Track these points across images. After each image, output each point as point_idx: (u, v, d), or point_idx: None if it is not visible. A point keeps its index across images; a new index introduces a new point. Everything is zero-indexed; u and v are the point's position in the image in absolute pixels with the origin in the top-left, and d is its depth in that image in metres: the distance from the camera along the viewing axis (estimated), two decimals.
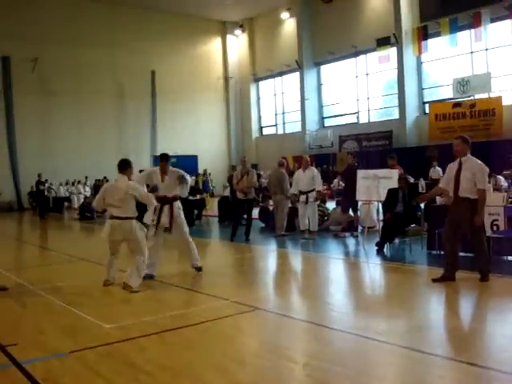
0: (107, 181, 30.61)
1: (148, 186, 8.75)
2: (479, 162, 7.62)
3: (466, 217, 7.56)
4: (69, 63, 31.73)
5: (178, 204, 8.90)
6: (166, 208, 8.71)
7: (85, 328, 6.05)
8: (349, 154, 15.59)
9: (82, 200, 25.33)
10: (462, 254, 9.72)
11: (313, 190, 12.98)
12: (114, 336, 5.67)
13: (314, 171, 13.34)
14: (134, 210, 8.08)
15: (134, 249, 8.03)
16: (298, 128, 34.58)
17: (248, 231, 13.35)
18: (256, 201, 17.20)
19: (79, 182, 30.24)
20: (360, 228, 13.30)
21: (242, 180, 13.10)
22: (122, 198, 7.91)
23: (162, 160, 8.96)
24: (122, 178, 8.07)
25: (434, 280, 7.62)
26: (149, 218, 8.56)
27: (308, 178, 13.13)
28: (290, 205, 14.06)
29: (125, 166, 8.17)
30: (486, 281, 7.56)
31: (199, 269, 9.10)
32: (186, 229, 9.01)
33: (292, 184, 13.53)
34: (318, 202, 13.55)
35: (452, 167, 7.86)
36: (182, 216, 8.93)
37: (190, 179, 9.21)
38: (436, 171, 22.13)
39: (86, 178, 30.62)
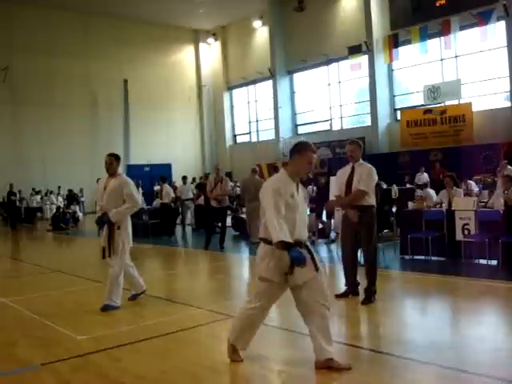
0: (81, 191, 30.40)
1: None
2: (370, 165, 7.15)
3: (360, 225, 7.00)
4: (40, 72, 31.37)
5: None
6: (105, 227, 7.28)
7: (57, 340, 5.97)
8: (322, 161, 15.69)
9: (54, 210, 25.00)
10: (434, 258, 9.88)
11: None
12: (87, 347, 5.59)
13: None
14: None
15: None
16: (271, 136, 34.64)
17: (222, 239, 13.32)
18: (231, 209, 17.21)
19: (51, 192, 29.86)
20: (334, 234, 13.36)
21: (216, 188, 13.09)
22: None
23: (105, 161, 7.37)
24: None
25: (337, 296, 7.15)
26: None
27: None
28: None
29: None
30: (369, 303, 6.89)
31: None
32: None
33: None
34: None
35: (343, 173, 7.32)
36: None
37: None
38: (424, 177, 21.62)
39: (59, 187, 30.24)
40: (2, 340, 6.09)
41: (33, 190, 29.87)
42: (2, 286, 9.93)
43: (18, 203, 26.01)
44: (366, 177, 6.95)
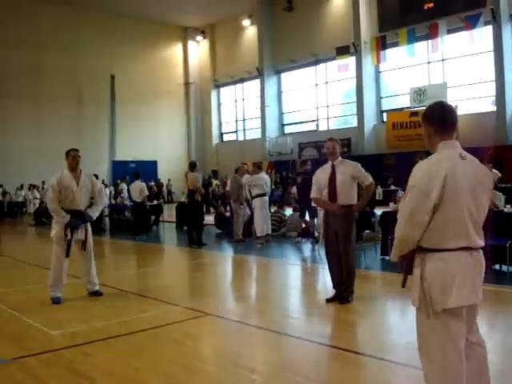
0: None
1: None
2: (352, 162, 7.01)
3: (342, 226, 6.75)
4: (28, 66, 31.12)
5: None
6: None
7: (30, 334, 5.89)
8: (302, 161, 15.53)
9: (37, 205, 24.79)
10: None
11: (257, 196, 13.20)
12: (60, 342, 5.53)
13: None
14: None
15: None
16: (258, 135, 34.63)
17: (199, 236, 13.24)
18: (213, 204, 17.03)
19: (35, 186, 29.55)
20: (316, 234, 13.33)
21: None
22: None
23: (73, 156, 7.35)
24: None
25: (328, 300, 6.95)
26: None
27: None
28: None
29: None
30: (346, 303, 6.79)
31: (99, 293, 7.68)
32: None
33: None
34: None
35: (322, 172, 6.94)
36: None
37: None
38: None
39: (43, 182, 29.92)
40: None
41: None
42: None
43: (0, 197, 25.76)
44: (361, 171, 6.81)
